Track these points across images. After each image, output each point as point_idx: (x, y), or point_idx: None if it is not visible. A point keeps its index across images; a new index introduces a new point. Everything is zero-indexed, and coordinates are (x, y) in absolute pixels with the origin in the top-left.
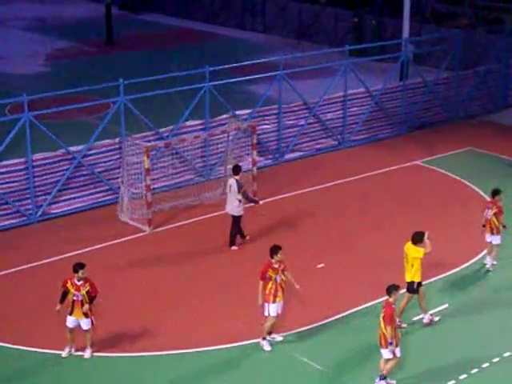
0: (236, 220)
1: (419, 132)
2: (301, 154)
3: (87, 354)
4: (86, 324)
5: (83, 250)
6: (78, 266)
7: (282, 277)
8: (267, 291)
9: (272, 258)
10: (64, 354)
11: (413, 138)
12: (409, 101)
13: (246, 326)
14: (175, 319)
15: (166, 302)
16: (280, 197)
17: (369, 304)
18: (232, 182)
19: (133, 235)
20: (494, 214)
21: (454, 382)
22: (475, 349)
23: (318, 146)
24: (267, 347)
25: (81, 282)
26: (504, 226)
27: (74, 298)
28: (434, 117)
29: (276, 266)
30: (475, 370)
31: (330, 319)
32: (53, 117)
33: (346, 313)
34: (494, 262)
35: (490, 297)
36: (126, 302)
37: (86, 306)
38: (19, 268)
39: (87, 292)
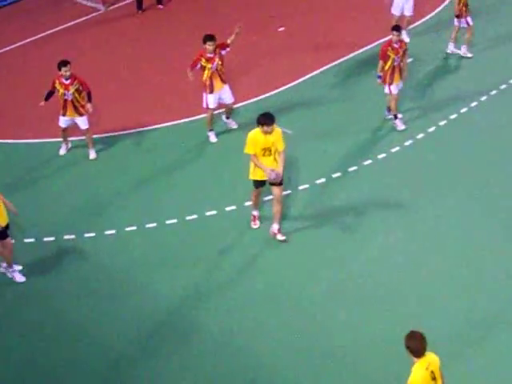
0: None
1: None
2: None
3: (92, 155)
4: (83, 123)
5: (41, 35)
6: (61, 64)
7: (219, 62)
8: (203, 81)
9: (204, 44)
10: (61, 151)
11: None
12: None
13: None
14: (137, 97)
15: (129, 79)
16: None
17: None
18: None
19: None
20: None
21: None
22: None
23: None
24: (213, 138)
25: (69, 81)
26: None
27: (65, 97)
28: None
29: (210, 55)
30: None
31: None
32: None
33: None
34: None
35: None
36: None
37: (89, 105)
38: None
39: (77, 90)
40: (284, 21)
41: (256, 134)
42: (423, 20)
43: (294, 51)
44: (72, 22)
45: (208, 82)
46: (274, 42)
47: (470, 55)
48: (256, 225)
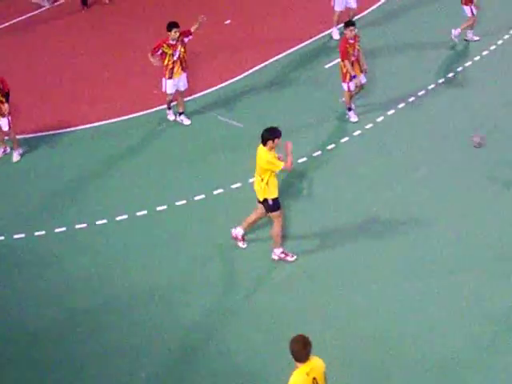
0: None
1: None
2: None
3: (15, 157)
4: (3, 124)
5: None
6: None
7: (182, 50)
8: (164, 66)
9: (169, 32)
10: None
11: None
12: None
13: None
14: (82, 93)
15: (74, 75)
16: None
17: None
18: None
19: (33, 12)
20: None
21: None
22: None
23: None
24: (171, 116)
25: None
26: None
27: None
28: None
29: (173, 42)
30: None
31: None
32: None
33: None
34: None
35: None
36: (35, 82)
37: (6, 106)
38: None
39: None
40: (230, 14)
41: (267, 152)
42: (367, 12)
43: (240, 44)
44: (16, 19)
45: (170, 67)
46: (220, 34)
47: (476, 38)
48: (293, 257)
